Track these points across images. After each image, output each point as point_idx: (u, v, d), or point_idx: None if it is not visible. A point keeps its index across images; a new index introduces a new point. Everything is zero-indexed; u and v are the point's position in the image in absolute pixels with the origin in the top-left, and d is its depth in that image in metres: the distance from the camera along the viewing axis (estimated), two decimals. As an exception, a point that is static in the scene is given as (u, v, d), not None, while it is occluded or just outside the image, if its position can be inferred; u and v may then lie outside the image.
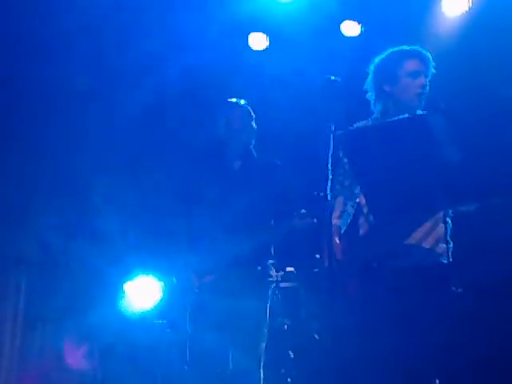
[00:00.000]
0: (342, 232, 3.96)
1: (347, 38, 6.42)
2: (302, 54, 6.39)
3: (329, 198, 3.61)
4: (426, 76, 3.93)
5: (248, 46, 6.69)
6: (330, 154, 3.63)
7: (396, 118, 3.75)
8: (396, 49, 4.00)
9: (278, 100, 6.46)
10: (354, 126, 4.02)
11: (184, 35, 6.38)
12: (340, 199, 3.99)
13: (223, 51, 6.56)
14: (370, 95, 4.06)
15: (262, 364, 4.51)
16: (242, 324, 4.47)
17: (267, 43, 6.67)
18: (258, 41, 6.69)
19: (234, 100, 4.85)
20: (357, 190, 3.98)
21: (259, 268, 4.60)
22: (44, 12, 6.08)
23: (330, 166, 3.62)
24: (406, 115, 3.78)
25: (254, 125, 4.80)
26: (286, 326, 5.86)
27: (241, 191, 4.62)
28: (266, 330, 4.57)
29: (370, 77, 4.04)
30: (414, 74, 3.91)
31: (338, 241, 3.87)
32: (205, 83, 6.70)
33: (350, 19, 6.39)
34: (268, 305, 4.62)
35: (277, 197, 4.59)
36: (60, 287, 6.81)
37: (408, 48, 3.99)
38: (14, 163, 6.67)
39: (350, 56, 6.08)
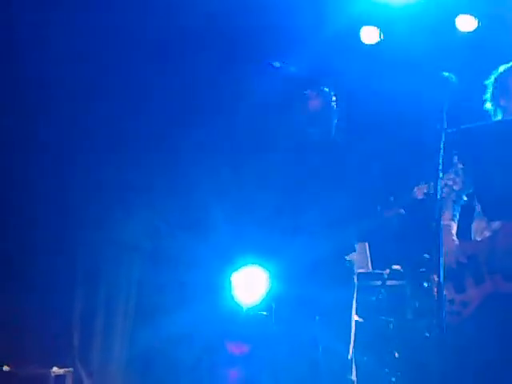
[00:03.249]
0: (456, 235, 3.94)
1: (462, 33, 6.27)
2: (415, 49, 6.28)
3: (438, 197, 3.54)
4: None
5: (360, 40, 6.62)
6: (441, 153, 3.56)
7: None
8: None
9: (389, 95, 6.37)
10: (468, 124, 3.96)
11: (298, 29, 6.37)
12: (450, 202, 3.97)
13: (335, 45, 6.51)
14: (490, 108, 4.05)
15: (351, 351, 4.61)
16: (330, 314, 4.60)
17: (379, 37, 6.58)
18: (370, 35, 6.60)
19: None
20: (465, 196, 3.99)
21: (347, 264, 4.69)
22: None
23: (440, 164, 3.53)
24: None
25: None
26: (391, 325, 5.81)
27: (339, 186, 4.67)
28: (351, 322, 4.64)
29: (489, 90, 4.06)
30: None
31: (457, 242, 3.86)
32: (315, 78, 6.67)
33: (465, 13, 6.23)
34: (354, 299, 4.69)
35: (375, 190, 4.61)
36: (168, 277, 6.94)
37: None
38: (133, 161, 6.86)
39: (465, 52, 5.95)
